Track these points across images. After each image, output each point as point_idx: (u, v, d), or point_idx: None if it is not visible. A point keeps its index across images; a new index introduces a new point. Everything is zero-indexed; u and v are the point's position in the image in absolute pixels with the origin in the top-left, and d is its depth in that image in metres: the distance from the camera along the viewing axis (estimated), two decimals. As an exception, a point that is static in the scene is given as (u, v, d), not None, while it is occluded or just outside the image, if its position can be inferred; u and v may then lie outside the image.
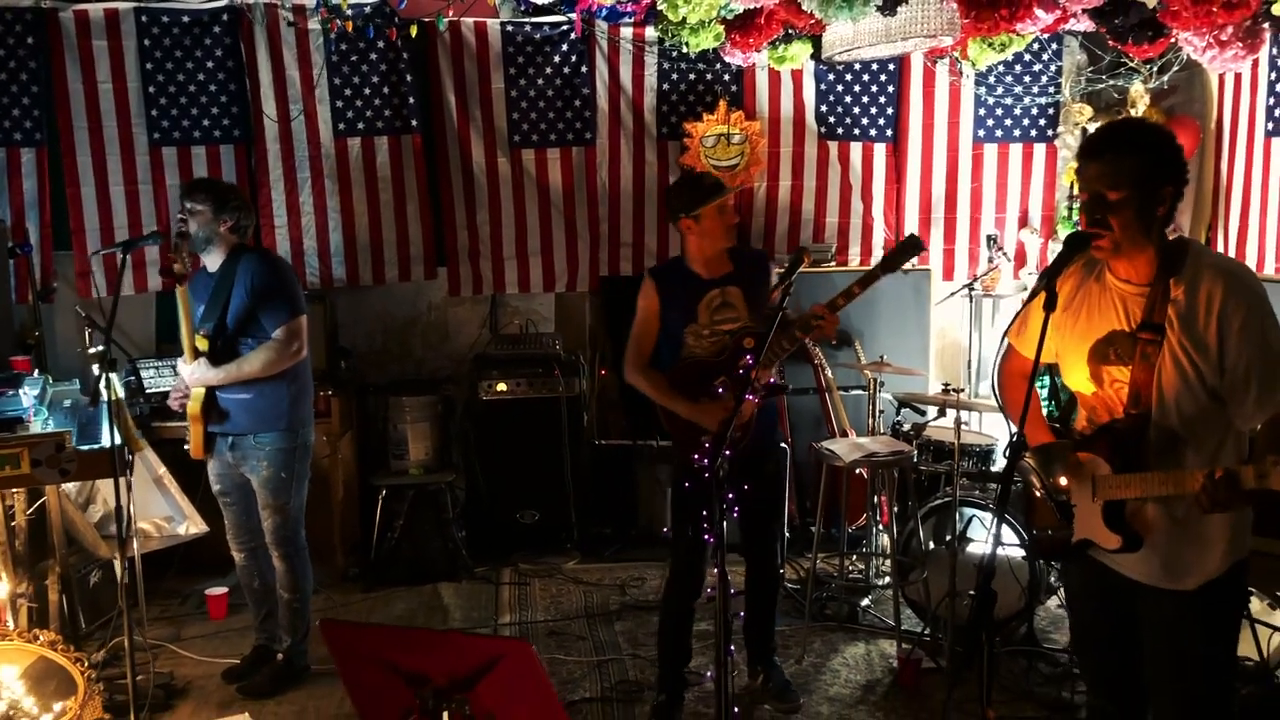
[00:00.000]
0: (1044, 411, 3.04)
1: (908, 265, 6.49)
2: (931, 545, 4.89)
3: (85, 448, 3.74)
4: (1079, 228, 2.69)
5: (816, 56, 5.87)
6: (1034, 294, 2.59)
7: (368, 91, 6.10)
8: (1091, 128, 6.20)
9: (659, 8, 4.46)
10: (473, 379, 6.03)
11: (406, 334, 6.52)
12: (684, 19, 4.44)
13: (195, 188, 4.30)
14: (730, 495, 3.47)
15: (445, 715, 2.38)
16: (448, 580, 5.54)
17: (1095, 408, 2.78)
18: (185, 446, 4.39)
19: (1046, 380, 5.45)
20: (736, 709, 4.05)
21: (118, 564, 3.84)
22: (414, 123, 6.19)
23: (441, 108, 6.18)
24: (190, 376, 4.20)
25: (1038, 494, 2.72)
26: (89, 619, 4.87)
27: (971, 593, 4.21)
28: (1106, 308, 2.72)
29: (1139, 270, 2.66)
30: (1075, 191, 6.28)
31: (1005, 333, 2.95)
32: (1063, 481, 2.66)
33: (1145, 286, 2.65)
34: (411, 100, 6.15)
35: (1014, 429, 5.08)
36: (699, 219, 3.90)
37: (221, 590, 5.20)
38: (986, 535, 4.74)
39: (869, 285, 3.74)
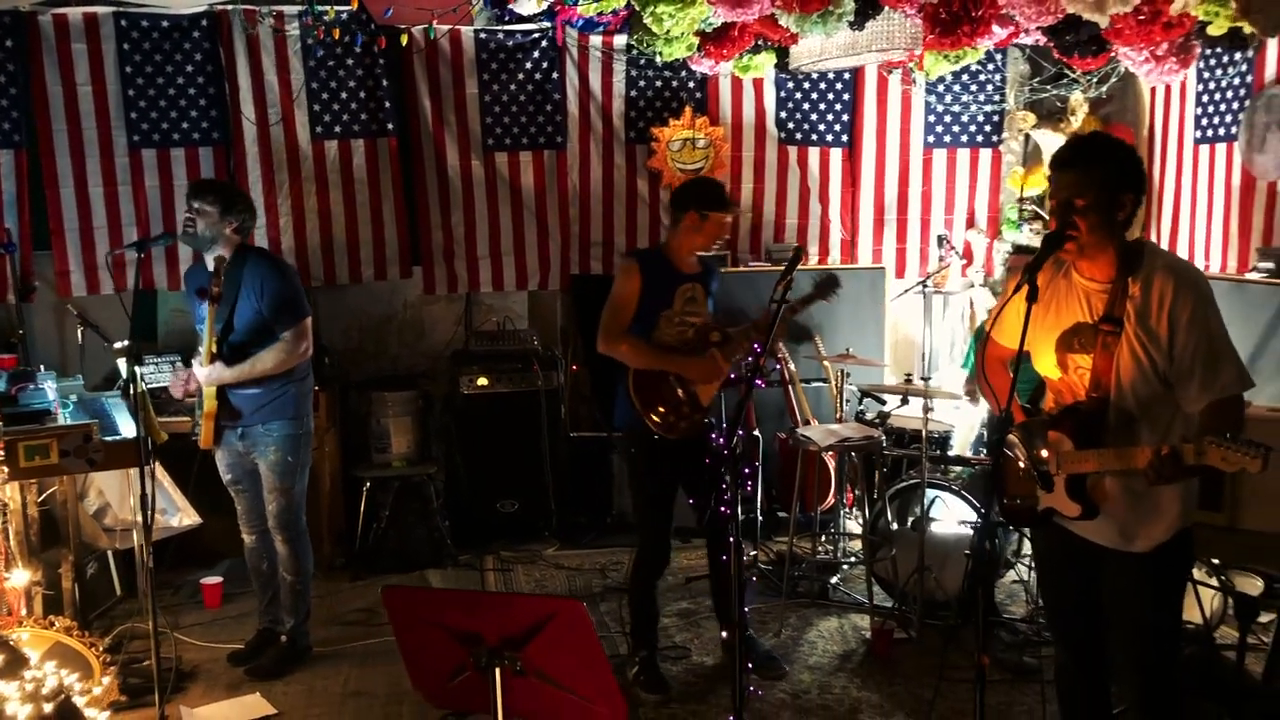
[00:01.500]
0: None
1: (867, 264, 6.93)
2: (895, 525, 5.22)
3: (108, 439, 3.89)
4: (1041, 231, 3.01)
5: (779, 65, 6.19)
6: (1016, 289, 2.90)
7: (344, 96, 6.27)
8: (1035, 134, 6.62)
9: (644, 20, 4.71)
10: (453, 374, 6.23)
11: (383, 332, 6.70)
12: (668, 31, 4.70)
13: (203, 189, 4.45)
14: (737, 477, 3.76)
15: (497, 672, 2.61)
16: (433, 567, 5.75)
17: (1061, 391, 3.11)
18: (194, 437, 4.55)
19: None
20: (750, 664, 4.37)
21: (137, 553, 4.00)
22: (390, 126, 6.37)
23: (417, 112, 6.38)
24: (207, 377, 4.36)
25: (1021, 465, 3.03)
26: (87, 609, 4.98)
27: (965, 555, 4.56)
28: (1072, 302, 3.04)
29: (1101, 269, 2.98)
30: (1021, 195, 6.70)
31: (984, 325, 3.26)
32: (1044, 454, 2.98)
33: (1107, 284, 2.97)
34: (388, 104, 6.33)
35: (986, 409, 5.44)
36: (706, 219, 4.27)
37: (216, 580, 5.34)
38: (948, 514, 5.08)
39: (807, 305, 4.32)
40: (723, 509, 3.51)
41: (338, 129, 6.29)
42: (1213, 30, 4.28)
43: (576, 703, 2.63)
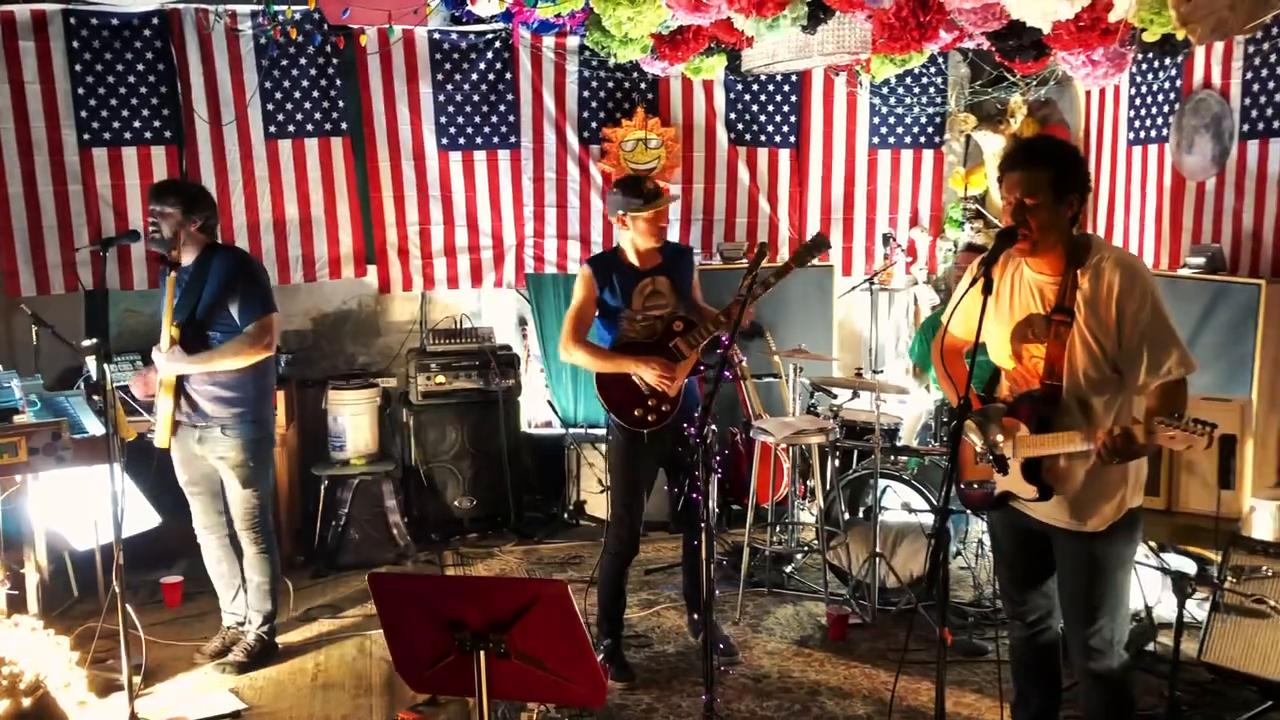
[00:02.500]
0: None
1: (815, 263, 7.08)
2: (847, 515, 5.38)
3: (77, 437, 3.90)
4: (982, 229, 3.17)
5: (729, 68, 6.32)
6: (972, 283, 3.05)
7: (298, 95, 6.28)
8: (975, 135, 6.83)
9: (604, 23, 4.81)
10: (411, 372, 6.28)
11: (338, 330, 6.72)
12: (626, 34, 4.80)
13: (164, 191, 4.44)
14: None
15: (481, 655, 2.68)
16: (393, 565, 5.79)
17: (1016, 380, 3.28)
18: (149, 436, 4.55)
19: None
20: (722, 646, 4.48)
21: (98, 555, 3.97)
22: (344, 125, 6.40)
23: (371, 111, 6.42)
24: (165, 363, 4.36)
25: (977, 450, 3.19)
26: (45, 609, 4.95)
27: (926, 539, 4.68)
28: (1025, 295, 3.21)
29: (1051, 263, 3.15)
30: (965, 194, 6.91)
31: (934, 319, 3.41)
32: (999, 439, 3.14)
33: (1057, 277, 3.15)
34: (341, 103, 6.36)
35: (932, 400, 5.60)
36: (633, 220, 4.36)
37: (176, 579, 5.33)
38: (898, 503, 5.25)
39: (783, 277, 4.26)
40: (694, 495, 3.62)
41: (291, 128, 6.31)
42: (1147, 37, 4.49)
43: (558, 683, 2.71)
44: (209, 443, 4.48)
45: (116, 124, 6.04)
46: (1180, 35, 3.90)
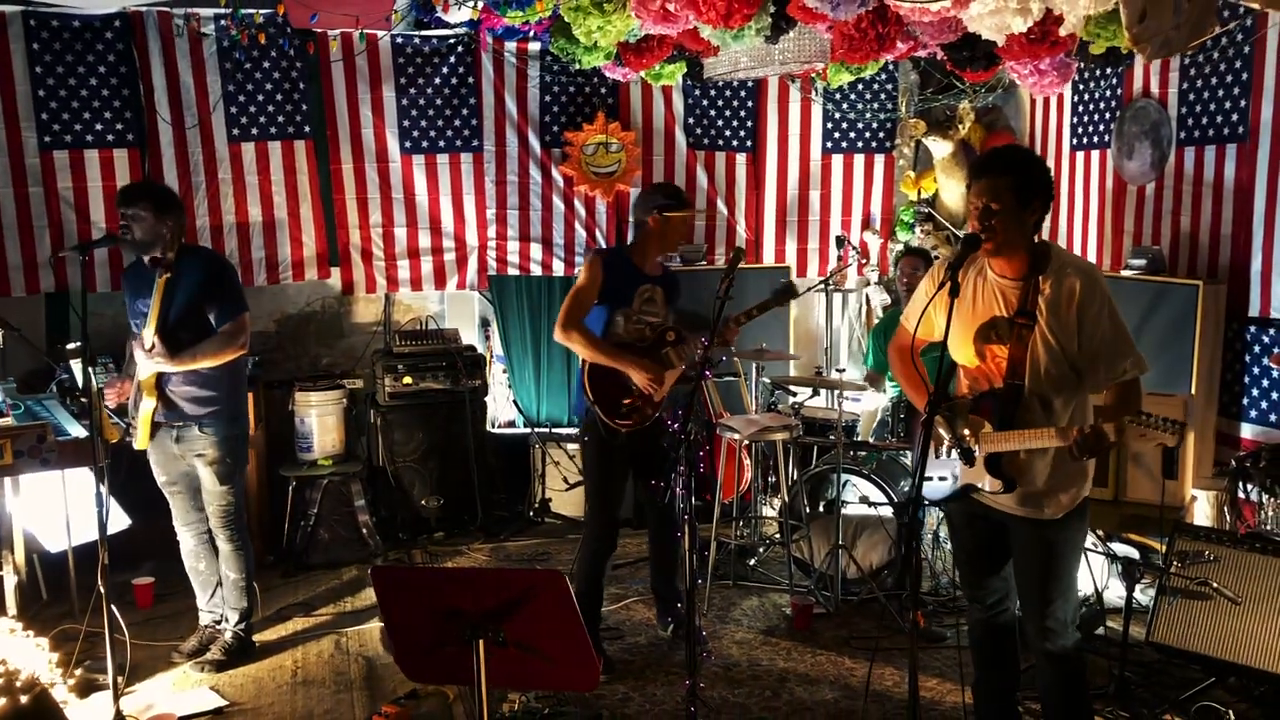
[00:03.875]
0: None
1: (771, 264, 7.24)
2: (808, 509, 5.55)
3: (61, 439, 3.94)
4: (932, 232, 3.35)
5: (688, 74, 6.47)
6: (940, 286, 3.22)
7: (261, 98, 6.32)
8: (925, 140, 7.04)
9: (574, 32, 4.92)
10: (378, 373, 6.34)
11: (302, 332, 6.77)
12: (595, 42, 4.92)
13: (134, 195, 4.44)
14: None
15: (480, 644, 2.79)
16: (363, 563, 5.86)
17: (977, 378, 3.45)
18: (127, 438, 4.58)
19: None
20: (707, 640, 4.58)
21: (71, 557, 3.98)
22: (307, 128, 6.45)
23: (334, 114, 6.47)
24: (146, 362, 4.38)
25: (945, 443, 3.36)
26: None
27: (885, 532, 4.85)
28: (989, 298, 3.39)
29: (1014, 268, 3.34)
30: (913, 199, 7.13)
31: (882, 322, 3.58)
32: (965, 432, 3.31)
33: (1019, 281, 3.33)
34: (305, 107, 6.40)
35: (888, 398, 5.77)
36: (668, 220, 4.51)
37: (147, 580, 5.35)
38: (857, 497, 5.43)
39: (764, 312, 4.59)
40: (677, 489, 3.75)
41: (254, 131, 6.34)
42: (1094, 50, 4.71)
43: (552, 669, 2.83)
44: (187, 441, 4.53)
45: (78, 126, 6.03)
46: (1126, 49, 4.11)
